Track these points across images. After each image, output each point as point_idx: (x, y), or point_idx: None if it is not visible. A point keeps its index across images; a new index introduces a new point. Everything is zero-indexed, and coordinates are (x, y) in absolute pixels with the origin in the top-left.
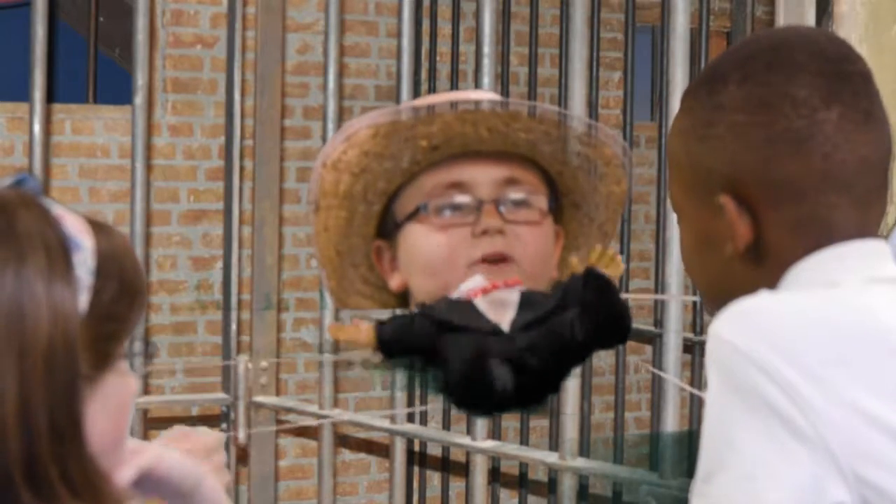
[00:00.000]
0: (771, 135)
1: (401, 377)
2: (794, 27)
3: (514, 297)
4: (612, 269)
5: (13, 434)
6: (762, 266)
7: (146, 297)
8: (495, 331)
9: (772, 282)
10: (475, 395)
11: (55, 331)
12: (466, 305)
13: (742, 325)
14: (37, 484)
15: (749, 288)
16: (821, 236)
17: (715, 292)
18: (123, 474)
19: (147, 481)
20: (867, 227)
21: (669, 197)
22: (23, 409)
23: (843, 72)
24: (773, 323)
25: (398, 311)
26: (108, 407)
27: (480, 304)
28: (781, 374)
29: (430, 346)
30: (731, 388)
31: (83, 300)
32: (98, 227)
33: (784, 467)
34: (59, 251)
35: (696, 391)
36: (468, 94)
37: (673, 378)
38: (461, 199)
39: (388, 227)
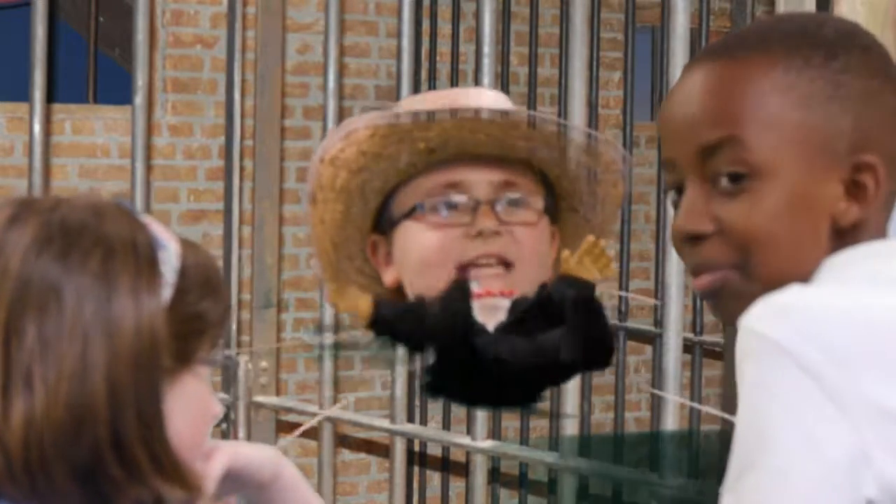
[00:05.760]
0: None
1: (384, 357)
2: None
3: (504, 304)
4: (601, 263)
5: (102, 414)
6: (841, 240)
7: (228, 307)
8: (481, 330)
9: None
10: (455, 384)
11: (140, 319)
12: None
13: (787, 322)
14: (126, 463)
15: (812, 261)
16: (890, 213)
17: (782, 262)
18: (210, 472)
19: (225, 478)
20: None
21: (749, 154)
22: (111, 390)
23: None
24: (819, 321)
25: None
26: (186, 408)
27: (472, 305)
28: (824, 375)
29: (419, 339)
30: (769, 385)
31: (166, 295)
32: (183, 240)
33: (819, 466)
34: (145, 247)
35: (696, 405)
36: (469, 92)
37: (673, 396)
38: (458, 198)
39: (383, 223)
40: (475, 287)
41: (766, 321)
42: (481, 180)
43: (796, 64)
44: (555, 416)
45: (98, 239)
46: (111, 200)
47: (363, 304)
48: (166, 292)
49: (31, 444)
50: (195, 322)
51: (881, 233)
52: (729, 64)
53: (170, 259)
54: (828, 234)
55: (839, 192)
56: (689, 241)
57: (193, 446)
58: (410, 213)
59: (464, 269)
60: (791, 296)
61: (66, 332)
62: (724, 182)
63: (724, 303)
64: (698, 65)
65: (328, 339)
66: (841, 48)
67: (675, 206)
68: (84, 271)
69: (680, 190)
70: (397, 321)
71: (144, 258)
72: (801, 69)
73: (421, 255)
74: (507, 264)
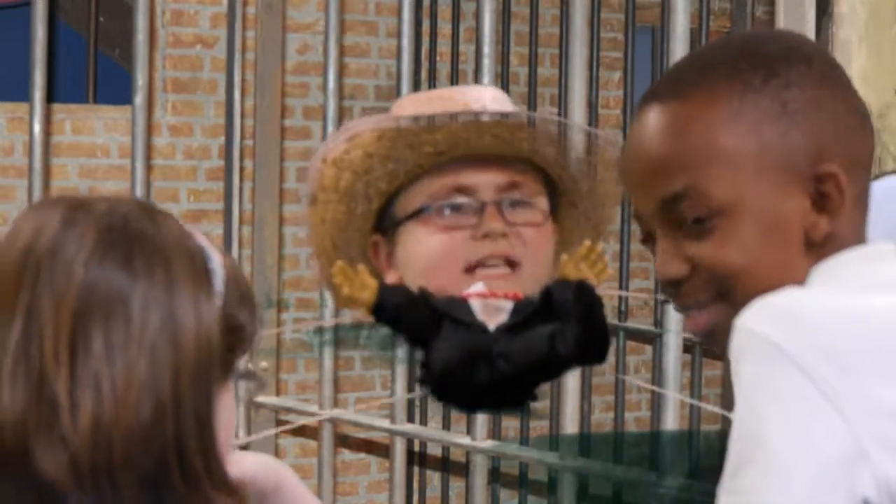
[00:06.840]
0: (848, 108)
1: (381, 345)
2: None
3: (508, 306)
4: (598, 268)
5: (168, 421)
6: (819, 252)
7: (260, 319)
8: (481, 329)
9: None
10: (454, 389)
11: (200, 327)
12: (462, 302)
13: (782, 321)
14: (187, 473)
15: (795, 278)
16: (864, 215)
17: (764, 288)
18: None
19: None
20: None
21: (710, 199)
22: (176, 399)
23: None
24: (814, 321)
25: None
26: (224, 419)
27: (475, 304)
28: (820, 373)
29: (421, 333)
30: (765, 384)
31: (217, 304)
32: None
33: (814, 465)
34: (199, 256)
35: (695, 402)
36: (469, 91)
37: (673, 393)
38: (463, 201)
39: (386, 224)
40: (481, 288)
41: (762, 320)
42: (486, 182)
43: (738, 90)
44: (555, 416)
45: (158, 245)
46: (154, 206)
47: (368, 289)
48: (218, 302)
49: (100, 449)
50: (237, 333)
51: (859, 236)
52: (673, 106)
53: (217, 269)
54: (804, 249)
55: (807, 207)
56: (671, 285)
57: (226, 456)
58: (416, 216)
59: (471, 269)
60: (786, 296)
61: (135, 340)
62: (691, 225)
63: (720, 340)
64: (647, 108)
65: (327, 331)
66: (781, 64)
67: (654, 253)
68: (148, 279)
69: (653, 237)
70: (401, 315)
71: (200, 266)
72: (744, 94)
73: (428, 259)
74: (513, 264)
